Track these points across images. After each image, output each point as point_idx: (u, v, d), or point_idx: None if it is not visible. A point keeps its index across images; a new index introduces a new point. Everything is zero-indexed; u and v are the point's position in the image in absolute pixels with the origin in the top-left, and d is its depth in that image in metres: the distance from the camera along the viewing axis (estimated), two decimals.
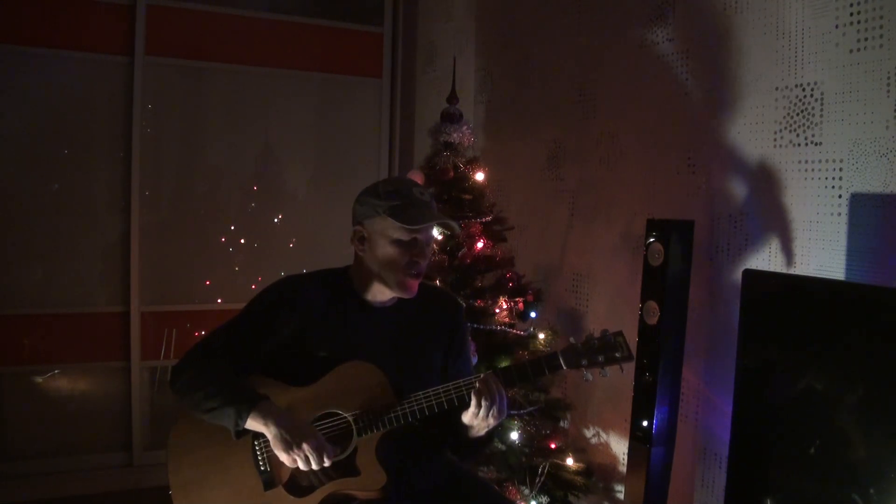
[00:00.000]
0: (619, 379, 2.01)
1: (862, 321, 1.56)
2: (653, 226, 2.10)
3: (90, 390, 3.57)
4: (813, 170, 1.91)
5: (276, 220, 3.90)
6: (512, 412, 2.51)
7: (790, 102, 1.98)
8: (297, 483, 1.63)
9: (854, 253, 1.80)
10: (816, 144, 1.90)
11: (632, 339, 1.77)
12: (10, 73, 3.32)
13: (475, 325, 2.53)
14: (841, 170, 1.84)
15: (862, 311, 1.57)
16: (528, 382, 2.42)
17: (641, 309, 2.11)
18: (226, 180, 3.80)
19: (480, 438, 1.69)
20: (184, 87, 3.68)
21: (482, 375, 1.61)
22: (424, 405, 1.62)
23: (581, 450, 2.77)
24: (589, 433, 2.78)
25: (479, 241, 2.62)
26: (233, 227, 3.80)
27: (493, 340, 2.57)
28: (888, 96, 1.72)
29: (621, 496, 2.58)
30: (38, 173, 3.42)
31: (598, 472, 2.69)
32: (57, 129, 3.43)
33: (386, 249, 1.66)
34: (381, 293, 1.73)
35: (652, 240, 2.09)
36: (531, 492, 2.53)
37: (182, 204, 3.71)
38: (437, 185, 2.64)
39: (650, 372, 2.07)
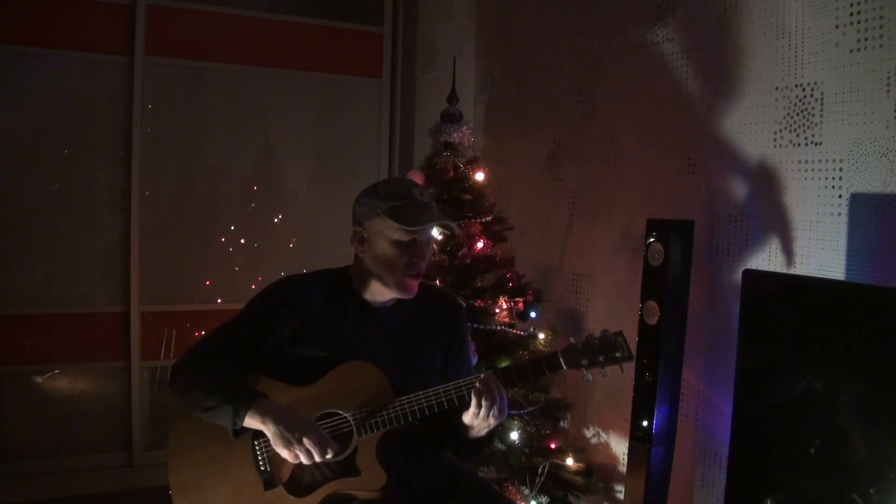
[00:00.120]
0: (619, 379, 2.02)
1: (862, 321, 1.56)
2: (653, 226, 2.10)
3: (90, 390, 3.57)
4: (813, 170, 1.91)
5: (276, 220, 3.90)
6: (512, 412, 2.51)
7: (790, 102, 1.98)
8: (298, 483, 1.63)
9: (854, 253, 1.80)
10: (816, 144, 1.90)
11: (632, 339, 1.77)
12: (10, 73, 3.32)
13: (475, 325, 2.53)
14: (841, 170, 1.84)
15: (862, 311, 1.57)
16: (528, 382, 2.42)
17: (641, 309, 2.11)
18: (226, 180, 3.80)
19: (481, 438, 1.69)
20: (184, 87, 3.68)
21: (482, 375, 1.61)
22: (424, 405, 1.62)
23: (581, 450, 2.77)
24: (589, 433, 2.78)
25: (479, 241, 2.62)
26: (233, 227, 3.80)
27: (493, 340, 2.57)
28: (888, 96, 1.72)
29: (621, 496, 2.58)
30: (38, 173, 3.42)
31: (598, 472, 2.69)
32: (57, 129, 3.43)
33: (386, 250, 1.66)
34: (380, 293, 1.73)
35: (652, 240, 2.09)
36: (531, 492, 2.53)
37: (182, 204, 3.71)
38: (437, 185, 2.64)
39: (650, 372, 2.07)
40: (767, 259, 2.05)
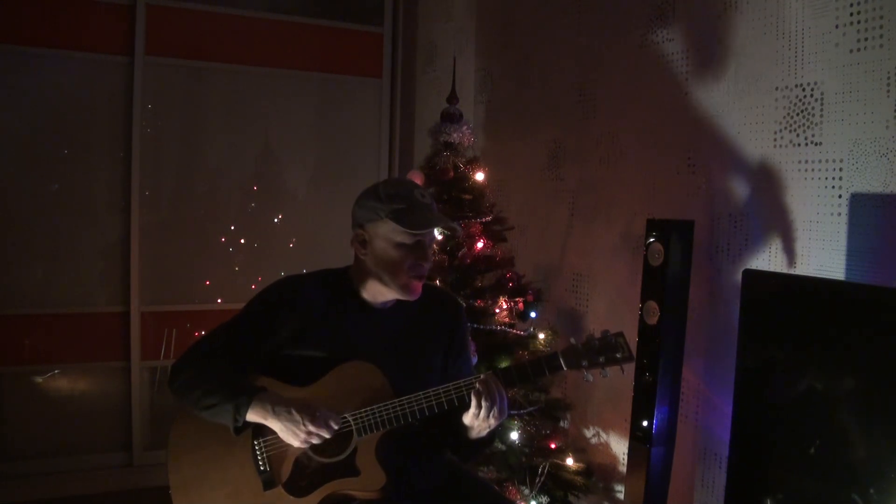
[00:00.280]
0: (619, 379, 2.01)
1: (862, 321, 1.56)
2: (653, 226, 2.10)
3: (90, 390, 3.57)
4: (813, 170, 1.91)
5: (276, 220, 3.90)
6: (512, 412, 2.51)
7: (790, 102, 1.98)
8: (297, 483, 1.63)
9: (854, 253, 1.80)
10: (816, 144, 1.90)
11: (632, 339, 1.77)
12: (10, 73, 3.32)
13: (475, 325, 2.53)
14: (841, 170, 1.84)
15: (862, 311, 1.57)
16: (528, 383, 2.42)
17: (641, 309, 2.11)
18: (226, 180, 3.80)
19: (482, 439, 1.68)
20: (184, 87, 3.68)
21: (482, 376, 1.61)
22: (424, 405, 1.61)
23: (581, 450, 2.77)
24: (589, 433, 2.78)
25: (479, 241, 2.62)
26: (233, 227, 3.80)
27: (493, 340, 2.57)
28: (888, 96, 1.71)
29: (621, 496, 2.58)
30: (38, 173, 3.42)
31: (598, 472, 2.69)
32: (57, 129, 3.43)
33: (389, 253, 1.66)
34: (381, 294, 1.72)
35: (652, 240, 2.09)
36: (531, 492, 2.53)
37: (182, 204, 3.71)
38: (437, 185, 2.64)
39: (650, 372, 2.07)
40: (767, 259, 2.05)
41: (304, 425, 1.56)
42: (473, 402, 1.57)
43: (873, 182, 1.75)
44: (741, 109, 2.14)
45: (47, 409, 3.46)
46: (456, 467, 1.83)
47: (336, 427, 1.59)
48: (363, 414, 1.62)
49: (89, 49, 3.43)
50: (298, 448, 1.62)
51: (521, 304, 2.64)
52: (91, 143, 3.50)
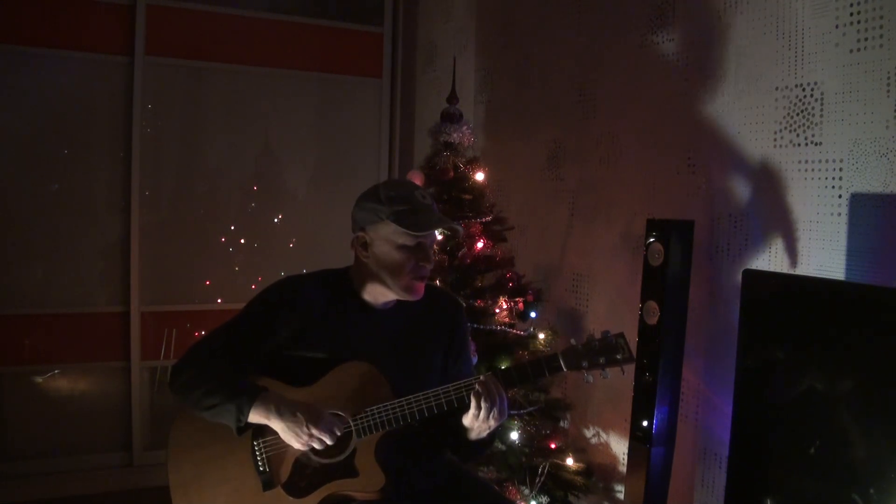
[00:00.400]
0: (620, 379, 2.01)
1: (862, 321, 1.56)
2: (653, 226, 2.10)
3: (90, 390, 3.57)
4: (813, 170, 1.91)
5: (276, 220, 3.90)
6: (512, 412, 2.51)
7: (790, 102, 1.97)
8: (296, 484, 1.63)
9: (854, 253, 1.80)
10: (816, 144, 1.90)
11: (632, 339, 1.77)
12: (10, 73, 3.32)
13: (475, 325, 2.53)
14: (841, 170, 1.84)
15: (862, 311, 1.57)
16: (528, 384, 2.42)
17: (641, 309, 2.11)
18: (226, 180, 3.80)
19: (482, 440, 1.68)
20: (184, 87, 3.68)
21: (482, 377, 1.61)
22: (424, 406, 1.61)
23: (581, 450, 2.77)
24: (589, 433, 2.78)
25: (479, 241, 2.62)
26: (233, 227, 3.80)
27: (493, 340, 2.57)
28: (888, 96, 1.71)
29: (621, 496, 2.58)
30: (38, 173, 3.42)
31: (598, 472, 2.69)
32: (57, 129, 3.43)
33: (391, 255, 1.66)
34: (383, 295, 1.72)
35: (652, 240, 2.09)
36: (531, 492, 2.53)
37: (182, 204, 3.72)
38: (437, 185, 2.64)
39: (650, 372, 2.07)
40: (767, 259, 2.05)
41: (307, 428, 1.56)
42: (473, 404, 1.57)
43: (873, 182, 1.75)
44: (741, 109, 2.13)
45: (47, 409, 3.46)
46: (456, 468, 1.83)
47: (339, 434, 1.59)
48: (362, 415, 1.62)
49: (89, 49, 3.43)
50: (298, 449, 1.62)
51: (521, 304, 2.64)
52: (91, 143, 3.50)
